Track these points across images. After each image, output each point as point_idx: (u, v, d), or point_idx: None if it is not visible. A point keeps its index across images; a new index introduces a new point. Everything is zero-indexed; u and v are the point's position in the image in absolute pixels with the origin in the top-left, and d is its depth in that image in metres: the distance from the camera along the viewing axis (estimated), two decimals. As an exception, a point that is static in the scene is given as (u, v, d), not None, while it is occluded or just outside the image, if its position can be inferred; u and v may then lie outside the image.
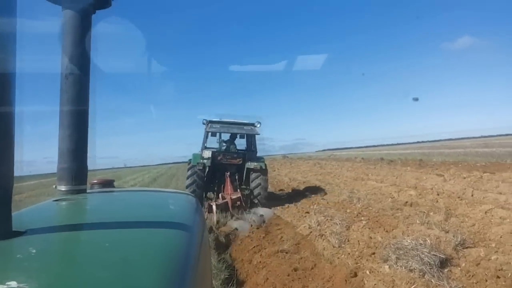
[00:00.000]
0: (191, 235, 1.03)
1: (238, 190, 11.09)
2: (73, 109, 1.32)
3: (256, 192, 11.20)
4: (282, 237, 7.71)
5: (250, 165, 11.42)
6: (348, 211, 9.58)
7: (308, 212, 9.71)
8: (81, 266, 0.69)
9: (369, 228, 7.57)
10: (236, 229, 8.41)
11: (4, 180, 0.74)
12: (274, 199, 12.84)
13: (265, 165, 11.60)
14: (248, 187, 11.63)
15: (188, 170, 11.29)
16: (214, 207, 9.47)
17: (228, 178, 11.32)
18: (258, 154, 12.30)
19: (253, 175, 11.35)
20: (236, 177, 11.94)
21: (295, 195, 13.82)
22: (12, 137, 0.74)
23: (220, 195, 11.09)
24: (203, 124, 11.91)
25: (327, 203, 11.12)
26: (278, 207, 11.14)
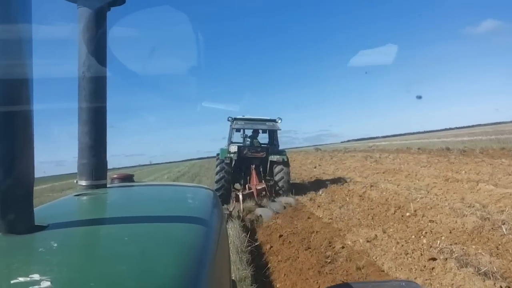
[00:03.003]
0: (209, 228, 1.00)
1: (263, 181, 11.78)
2: (91, 106, 1.32)
3: (279, 182, 11.94)
4: None
5: (273, 158, 12.21)
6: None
7: (434, 259, 5.14)
8: (100, 259, 0.70)
9: None
10: (260, 215, 9.05)
11: (25, 176, 0.74)
12: (339, 218, 8.41)
13: (287, 157, 12.32)
14: (272, 178, 12.36)
15: (217, 163, 12.13)
16: (240, 196, 9.89)
17: (254, 170, 12.00)
18: (281, 147, 13.14)
19: (276, 167, 12.15)
20: (261, 169, 12.65)
21: (372, 212, 8.65)
22: (31, 135, 0.75)
23: (246, 186, 11.81)
24: (228, 121, 12.77)
25: (450, 232, 6.37)
26: (360, 239, 6.51)
